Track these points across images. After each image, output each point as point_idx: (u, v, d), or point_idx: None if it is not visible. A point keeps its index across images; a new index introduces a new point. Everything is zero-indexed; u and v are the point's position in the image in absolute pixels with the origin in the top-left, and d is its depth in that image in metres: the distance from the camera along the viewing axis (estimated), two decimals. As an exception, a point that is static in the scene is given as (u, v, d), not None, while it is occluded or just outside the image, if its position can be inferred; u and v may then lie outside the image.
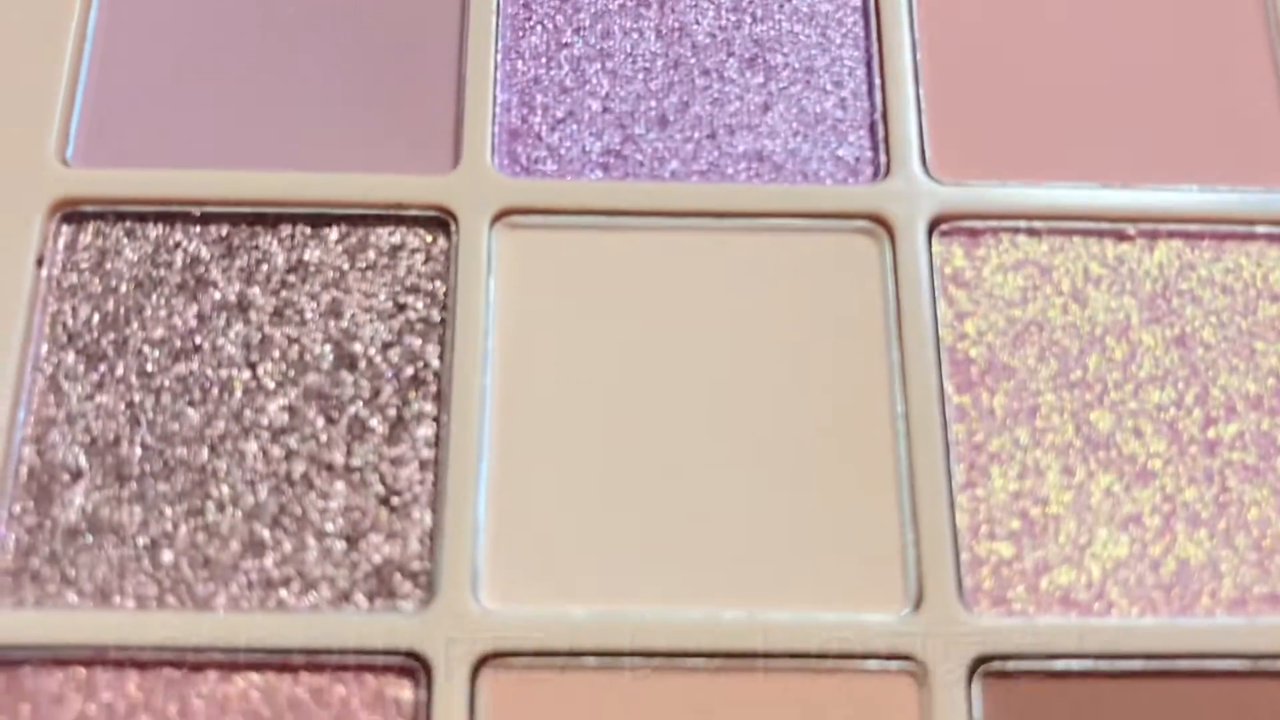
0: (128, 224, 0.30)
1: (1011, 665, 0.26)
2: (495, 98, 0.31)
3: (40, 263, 0.29)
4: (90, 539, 0.27)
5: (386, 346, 0.29)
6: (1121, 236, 0.30)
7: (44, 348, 0.29)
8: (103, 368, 0.28)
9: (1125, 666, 0.26)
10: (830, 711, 0.26)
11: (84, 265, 0.29)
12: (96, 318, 0.29)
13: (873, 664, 0.26)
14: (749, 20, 0.32)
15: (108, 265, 0.29)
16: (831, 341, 0.29)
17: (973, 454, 0.28)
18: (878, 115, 0.31)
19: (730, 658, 0.26)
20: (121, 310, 0.29)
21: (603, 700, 0.26)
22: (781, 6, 0.32)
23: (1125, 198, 0.30)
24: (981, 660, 0.26)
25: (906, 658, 0.26)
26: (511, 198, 0.30)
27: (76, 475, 0.28)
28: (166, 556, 0.27)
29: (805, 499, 0.28)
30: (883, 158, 0.31)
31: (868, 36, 0.32)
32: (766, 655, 0.26)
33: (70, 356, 0.29)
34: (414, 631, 0.26)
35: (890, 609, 0.27)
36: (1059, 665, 0.26)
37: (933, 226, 0.30)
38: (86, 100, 0.31)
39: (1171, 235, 0.30)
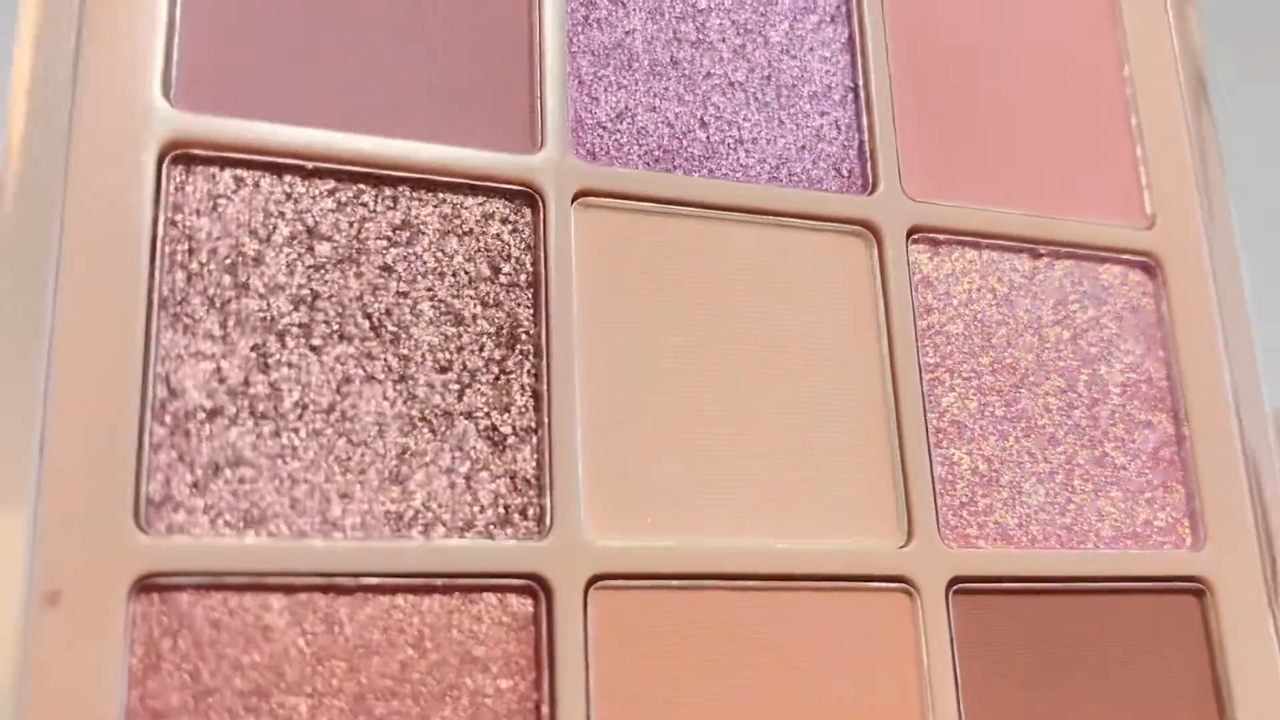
0: (237, 171, 0.31)
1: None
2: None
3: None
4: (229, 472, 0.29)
5: (485, 306, 0.32)
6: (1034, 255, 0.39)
7: (166, 291, 0.30)
8: (224, 313, 0.30)
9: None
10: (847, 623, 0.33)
11: (199, 209, 0.30)
12: (214, 264, 0.30)
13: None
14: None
15: (220, 211, 0.31)
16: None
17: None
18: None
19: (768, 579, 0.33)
20: (240, 257, 0.31)
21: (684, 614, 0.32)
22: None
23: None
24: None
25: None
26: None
27: (211, 413, 0.29)
28: (301, 489, 0.30)
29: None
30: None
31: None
32: (789, 577, 0.33)
33: (195, 301, 0.30)
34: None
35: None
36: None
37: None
38: (184, 44, 0.31)
39: (1069, 256, 0.39)
